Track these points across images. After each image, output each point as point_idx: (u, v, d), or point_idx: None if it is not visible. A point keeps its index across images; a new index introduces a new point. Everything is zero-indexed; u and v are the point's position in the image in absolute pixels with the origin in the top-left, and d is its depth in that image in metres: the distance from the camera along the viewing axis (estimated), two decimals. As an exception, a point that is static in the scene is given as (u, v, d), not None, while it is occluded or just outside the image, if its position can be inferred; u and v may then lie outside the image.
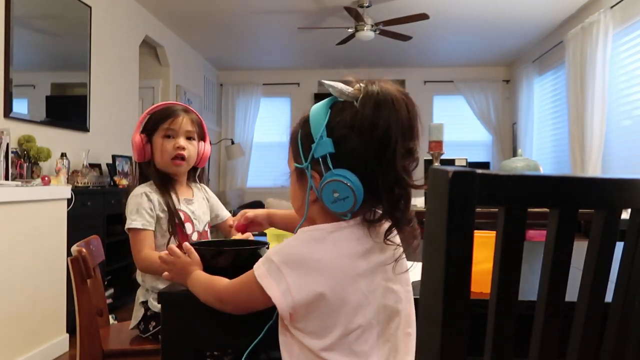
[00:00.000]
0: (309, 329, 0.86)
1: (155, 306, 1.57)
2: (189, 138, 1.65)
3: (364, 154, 0.84)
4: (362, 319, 0.85)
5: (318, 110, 0.89)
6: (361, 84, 0.87)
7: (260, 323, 0.95)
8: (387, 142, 0.83)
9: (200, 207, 1.72)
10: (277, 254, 0.87)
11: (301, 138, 0.91)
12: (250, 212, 1.40)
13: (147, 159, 1.65)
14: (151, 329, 1.59)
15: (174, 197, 1.64)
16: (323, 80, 0.90)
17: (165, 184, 1.64)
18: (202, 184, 1.82)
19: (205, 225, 1.72)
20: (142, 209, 1.57)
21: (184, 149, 1.62)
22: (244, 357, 1.01)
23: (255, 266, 0.90)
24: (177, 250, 1.11)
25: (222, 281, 1.01)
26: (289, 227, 1.35)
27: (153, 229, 1.59)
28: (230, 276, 1.13)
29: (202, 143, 1.70)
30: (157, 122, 1.64)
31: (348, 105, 0.87)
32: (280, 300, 0.85)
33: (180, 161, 1.63)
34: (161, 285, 1.58)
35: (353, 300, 0.85)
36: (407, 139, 0.84)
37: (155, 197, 1.61)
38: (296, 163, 0.93)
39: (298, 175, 0.94)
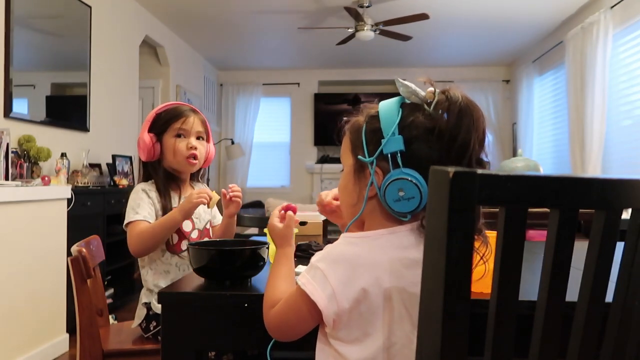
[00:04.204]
0: (350, 337, 0.85)
1: (158, 307, 1.57)
2: (198, 138, 1.68)
3: (438, 158, 0.83)
4: (402, 332, 0.83)
5: (390, 107, 0.88)
6: (435, 89, 0.86)
7: (260, 324, 0.95)
8: (465, 151, 0.82)
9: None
10: (321, 261, 0.86)
11: (367, 132, 0.89)
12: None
13: (155, 158, 1.66)
14: (152, 328, 1.60)
15: (174, 196, 1.65)
16: (397, 78, 0.88)
17: (169, 183, 1.66)
18: (203, 184, 1.84)
19: (206, 223, 1.72)
20: (143, 203, 1.58)
21: (196, 148, 1.65)
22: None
23: (299, 277, 0.88)
24: (292, 221, 1.06)
25: (282, 291, 0.95)
26: None
27: (152, 221, 1.58)
28: (231, 276, 1.14)
29: (207, 144, 1.73)
30: (167, 122, 1.65)
31: (419, 107, 0.86)
32: (325, 304, 0.83)
33: (194, 160, 1.65)
34: (163, 283, 1.58)
35: (395, 301, 0.83)
36: (481, 149, 0.84)
37: (154, 194, 1.62)
38: (359, 156, 0.90)
39: (356, 170, 0.92)
